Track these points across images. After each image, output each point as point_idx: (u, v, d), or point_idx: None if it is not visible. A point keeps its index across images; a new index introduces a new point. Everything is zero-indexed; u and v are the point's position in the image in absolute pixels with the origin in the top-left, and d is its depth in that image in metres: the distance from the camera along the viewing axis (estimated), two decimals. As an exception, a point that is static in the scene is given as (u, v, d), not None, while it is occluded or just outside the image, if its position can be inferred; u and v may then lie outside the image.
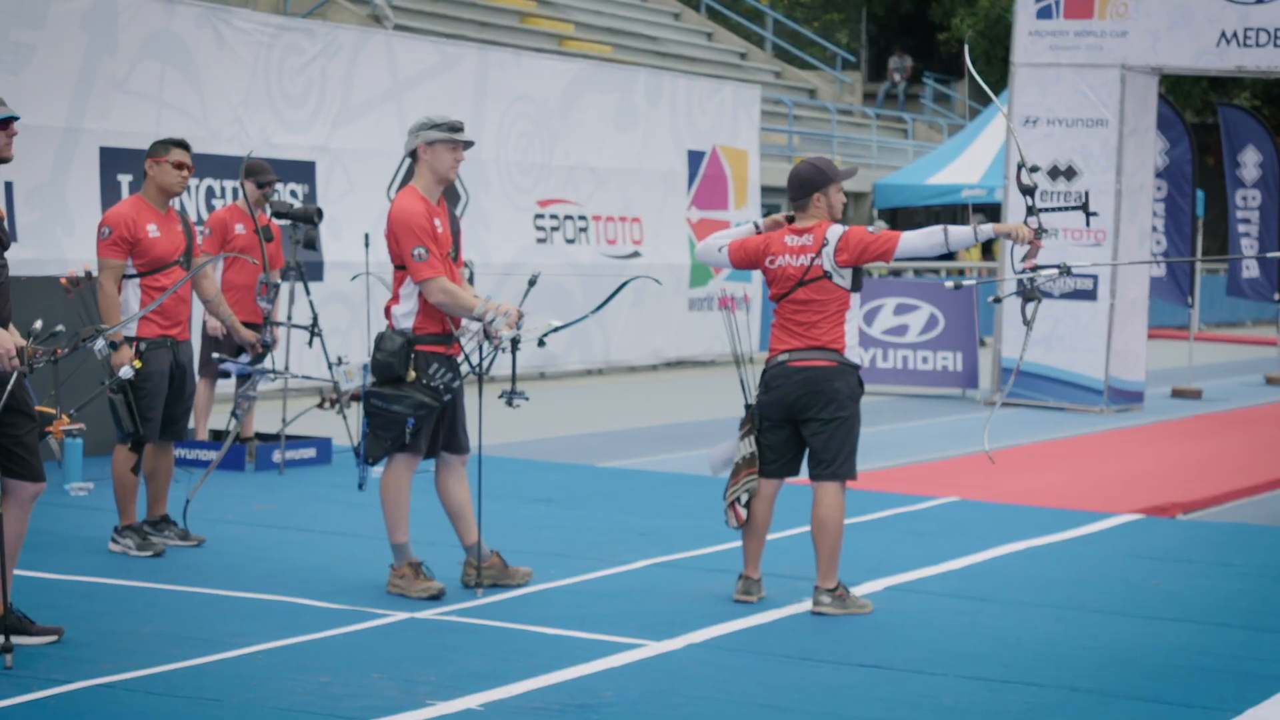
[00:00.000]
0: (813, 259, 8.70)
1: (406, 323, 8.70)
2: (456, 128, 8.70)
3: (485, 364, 8.88)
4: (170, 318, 9.64)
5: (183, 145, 9.74)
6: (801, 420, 8.80)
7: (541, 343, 8.92)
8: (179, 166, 9.66)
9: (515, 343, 8.61)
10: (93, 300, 9.31)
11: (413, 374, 8.62)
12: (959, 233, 8.60)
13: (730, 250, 8.97)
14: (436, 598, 8.63)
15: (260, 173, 12.71)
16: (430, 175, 8.71)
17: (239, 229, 12.60)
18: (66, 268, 13.05)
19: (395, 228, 8.62)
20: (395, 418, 8.62)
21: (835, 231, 8.74)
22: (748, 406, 8.94)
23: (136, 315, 9.09)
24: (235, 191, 15.93)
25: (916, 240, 8.66)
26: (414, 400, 8.59)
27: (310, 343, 12.36)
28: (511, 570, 9.03)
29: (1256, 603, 9.29)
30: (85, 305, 9.18)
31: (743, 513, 8.88)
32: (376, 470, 9.14)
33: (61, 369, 8.50)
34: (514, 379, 8.97)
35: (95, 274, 9.69)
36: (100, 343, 7.73)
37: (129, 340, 9.48)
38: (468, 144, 8.75)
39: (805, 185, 8.81)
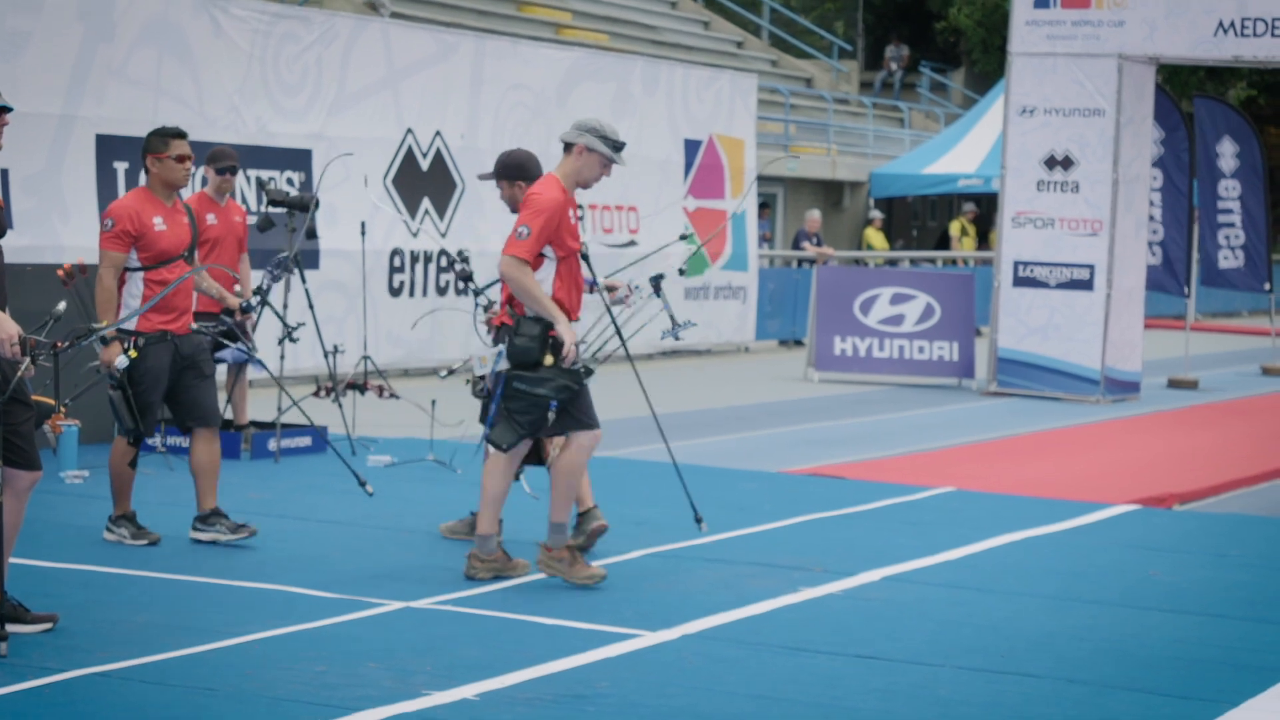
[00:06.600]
0: None
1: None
2: (619, 147, 8.91)
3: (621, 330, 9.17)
4: (168, 312, 9.46)
5: (180, 135, 9.59)
6: None
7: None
8: (181, 160, 9.55)
9: (657, 283, 9.59)
10: (89, 294, 9.16)
11: (549, 359, 8.78)
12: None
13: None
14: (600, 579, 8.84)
15: (218, 159, 12.37)
16: (574, 174, 8.94)
17: (210, 219, 12.18)
18: (62, 254, 13.01)
19: (524, 202, 8.88)
20: (539, 400, 8.80)
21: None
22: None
23: (134, 313, 9.02)
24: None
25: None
26: (558, 384, 8.82)
27: (281, 342, 12.26)
28: (514, 562, 9.06)
29: (1253, 594, 9.29)
30: (82, 298, 9.00)
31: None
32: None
33: (58, 360, 8.47)
34: (672, 316, 9.78)
35: (89, 266, 9.55)
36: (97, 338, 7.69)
37: (128, 334, 9.36)
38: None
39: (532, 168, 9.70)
